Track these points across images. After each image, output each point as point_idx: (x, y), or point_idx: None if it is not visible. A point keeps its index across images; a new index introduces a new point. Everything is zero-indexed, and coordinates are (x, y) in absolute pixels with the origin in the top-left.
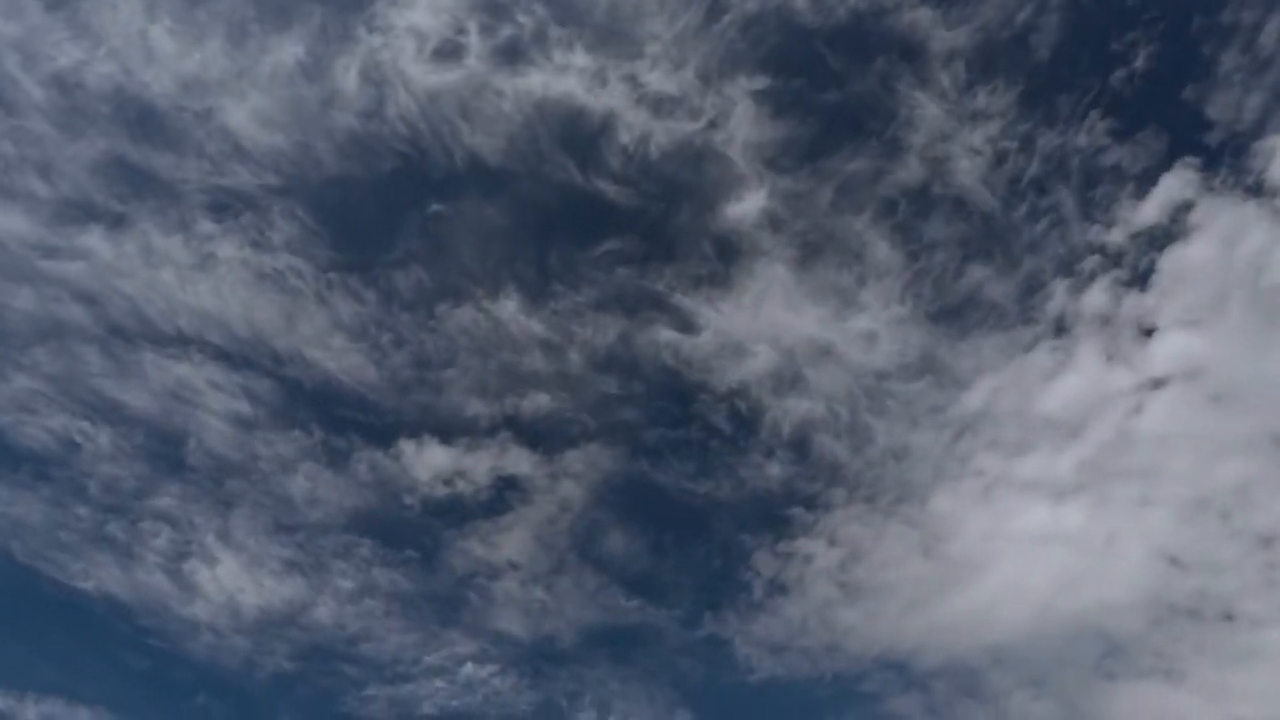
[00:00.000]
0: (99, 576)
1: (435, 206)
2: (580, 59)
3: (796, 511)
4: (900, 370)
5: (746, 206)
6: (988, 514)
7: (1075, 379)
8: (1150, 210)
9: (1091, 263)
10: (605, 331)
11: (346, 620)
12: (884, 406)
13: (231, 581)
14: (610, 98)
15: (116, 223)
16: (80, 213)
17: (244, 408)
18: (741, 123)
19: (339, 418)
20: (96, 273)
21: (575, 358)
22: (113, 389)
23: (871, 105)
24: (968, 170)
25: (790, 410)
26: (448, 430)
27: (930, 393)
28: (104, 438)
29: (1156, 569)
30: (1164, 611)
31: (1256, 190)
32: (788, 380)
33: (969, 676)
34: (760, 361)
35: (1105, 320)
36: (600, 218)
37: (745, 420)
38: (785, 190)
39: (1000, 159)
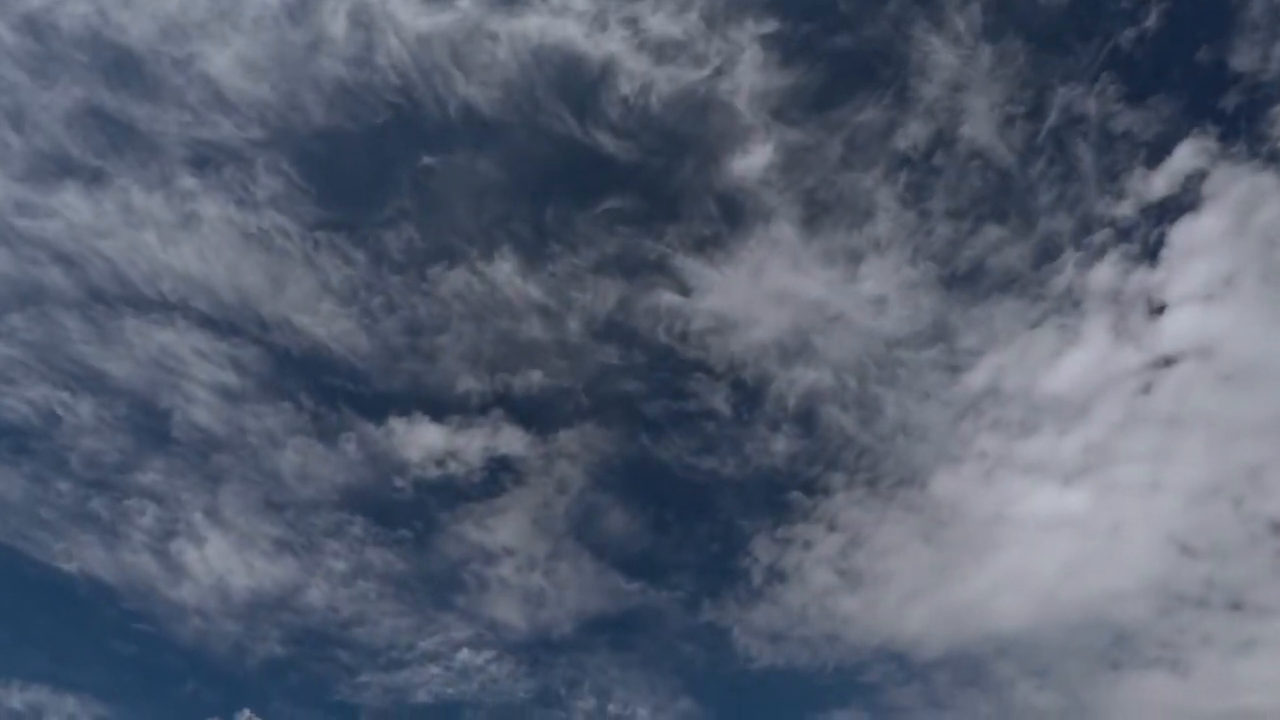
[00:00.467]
0: (83, 557)
1: (427, 160)
2: (579, 0)
3: (796, 496)
4: (912, 337)
5: (752, 161)
6: (991, 498)
7: (1082, 357)
8: (1161, 181)
9: (1103, 235)
10: (605, 297)
11: (339, 603)
12: (894, 376)
13: (220, 562)
14: (610, 42)
15: (94, 178)
16: (56, 167)
17: (231, 378)
18: (748, 70)
19: (329, 388)
20: (75, 233)
21: (574, 325)
22: (94, 357)
23: (883, 51)
24: (983, 123)
25: (797, 380)
26: (439, 408)
27: (940, 361)
28: (85, 409)
29: (1164, 556)
30: (1171, 600)
31: (1273, 158)
32: (794, 349)
33: (971, 667)
34: (766, 328)
35: (1114, 295)
36: (599, 173)
37: (751, 391)
38: (792, 143)
39: (1014, 115)
